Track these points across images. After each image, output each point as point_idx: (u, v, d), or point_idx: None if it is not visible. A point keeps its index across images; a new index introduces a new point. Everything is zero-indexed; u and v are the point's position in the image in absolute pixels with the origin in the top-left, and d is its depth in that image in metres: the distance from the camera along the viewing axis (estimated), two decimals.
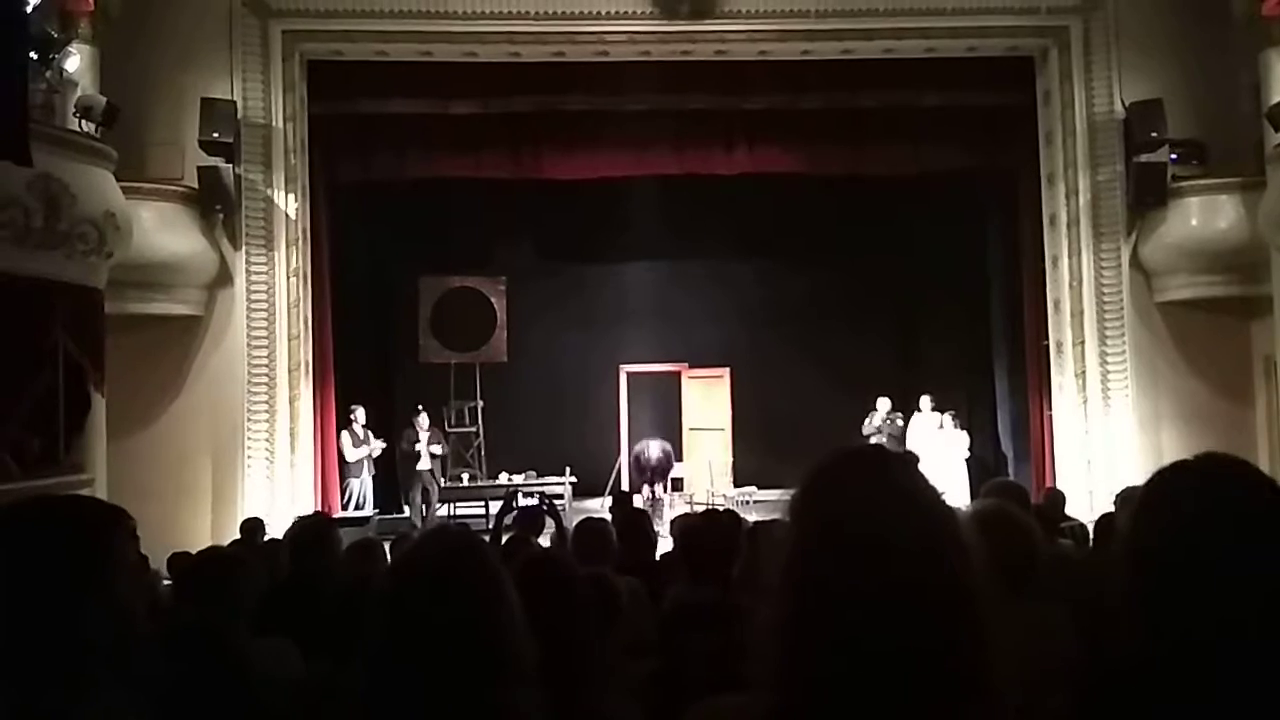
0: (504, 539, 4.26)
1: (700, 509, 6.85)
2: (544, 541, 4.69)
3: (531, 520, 5.12)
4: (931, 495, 1.12)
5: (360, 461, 11.13)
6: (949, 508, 1.12)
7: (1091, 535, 5.53)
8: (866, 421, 12.34)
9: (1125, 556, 1.25)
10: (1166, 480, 1.27)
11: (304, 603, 3.03)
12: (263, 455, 9.98)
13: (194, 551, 4.82)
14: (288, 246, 10.24)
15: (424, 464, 11.77)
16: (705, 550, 3.02)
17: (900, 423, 12.22)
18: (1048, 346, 11.04)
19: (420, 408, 12.01)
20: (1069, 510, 7.13)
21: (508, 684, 1.39)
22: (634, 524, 4.26)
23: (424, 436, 11.82)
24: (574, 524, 4.18)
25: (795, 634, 1.05)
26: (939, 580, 1.04)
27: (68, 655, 1.35)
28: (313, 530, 3.73)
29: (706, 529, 3.22)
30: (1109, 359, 10.50)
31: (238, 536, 7.05)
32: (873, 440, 11.88)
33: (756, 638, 1.10)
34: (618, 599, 2.42)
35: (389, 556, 3.86)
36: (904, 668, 1.01)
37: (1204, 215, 10.10)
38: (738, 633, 2.15)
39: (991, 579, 1.09)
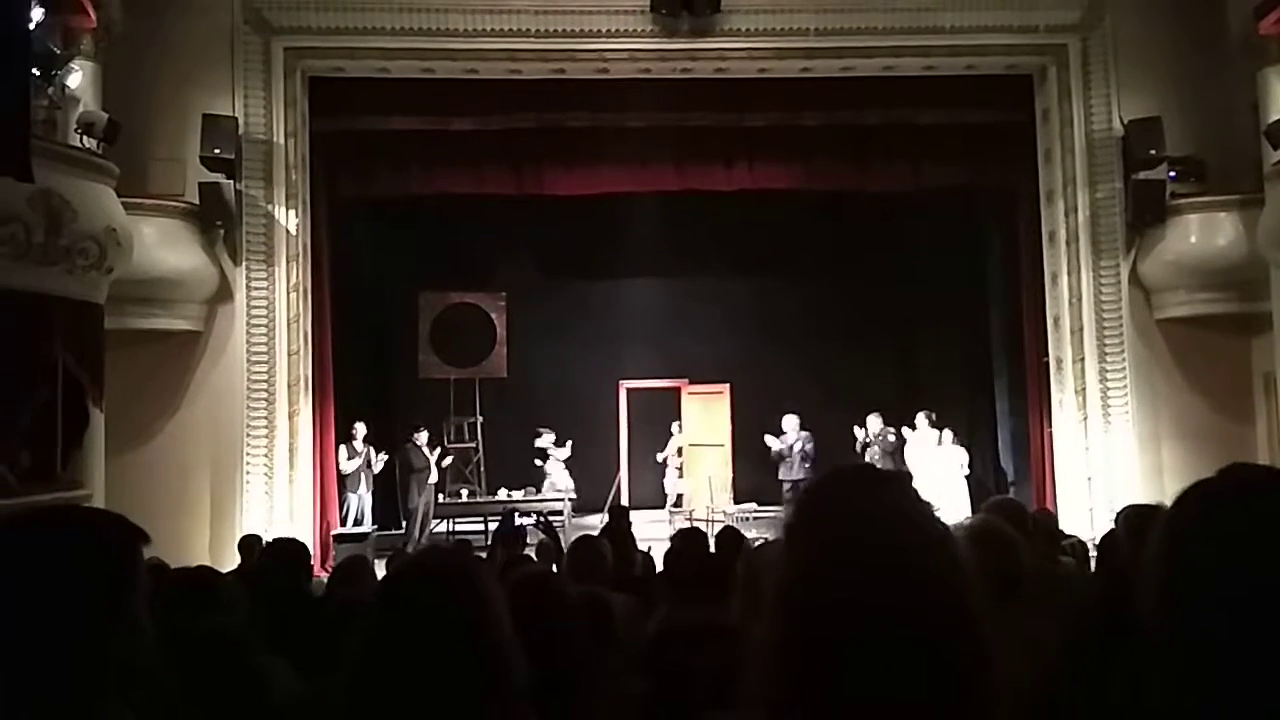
0: (500, 557, 4.24)
1: (686, 526, 6.85)
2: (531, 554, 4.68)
3: (510, 538, 5.11)
4: (924, 513, 1.11)
5: (358, 477, 11.11)
6: (943, 525, 1.12)
7: (1096, 553, 5.50)
8: (858, 439, 12.31)
9: (1155, 580, 1.11)
10: (1195, 495, 1.13)
11: (299, 622, 3.02)
12: (262, 471, 9.96)
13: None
14: (288, 262, 10.25)
15: (432, 478, 11.83)
16: (688, 569, 3.01)
17: (892, 439, 12.18)
18: (1047, 364, 11.04)
19: (419, 424, 12.02)
20: (1067, 527, 7.13)
21: (496, 703, 1.38)
22: (620, 539, 4.24)
23: (427, 452, 11.86)
24: (570, 542, 4.17)
25: (789, 653, 1.05)
26: (934, 599, 1.03)
27: (88, 672, 1.34)
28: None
29: (685, 548, 3.21)
30: (1109, 376, 10.49)
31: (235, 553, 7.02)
32: (866, 456, 11.87)
33: (751, 657, 1.09)
34: (611, 617, 2.41)
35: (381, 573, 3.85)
36: (900, 686, 1.00)
37: (1203, 232, 10.12)
38: (728, 652, 2.14)
39: (981, 593, 1.09)
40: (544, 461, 13.06)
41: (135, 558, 1.43)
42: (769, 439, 12.43)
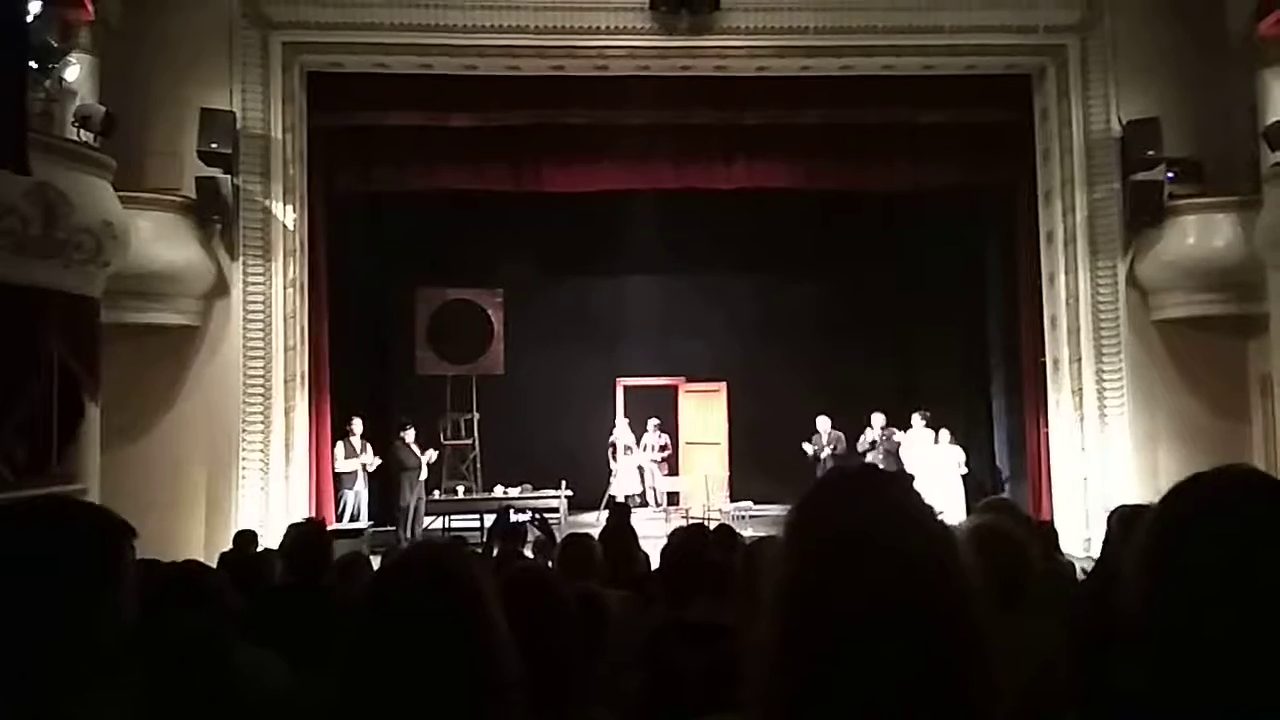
0: (495, 553, 4.24)
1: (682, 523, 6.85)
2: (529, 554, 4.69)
3: (513, 535, 5.12)
4: (927, 515, 1.10)
5: (354, 473, 11.11)
6: (945, 527, 1.11)
7: (1099, 552, 5.49)
8: (861, 438, 12.37)
9: (1141, 573, 1.12)
10: (1187, 492, 1.14)
11: (292, 615, 3.00)
12: (257, 466, 9.95)
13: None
14: (285, 257, 10.23)
15: (422, 475, 11.83)
16: (683, 566, 3.00)
17: (896, 438, 12.22)
18: (1044, 364, 11.04)
19: (407, 422, 12.02)
20: (1063, 527, 7.12)
21: (489, 699, 1.37)
22: (621, 537, 4.23)
23: (416, 450, 11.85)
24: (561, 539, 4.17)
25: (788, 653, 1.04)
26: (936, 600, 1.03)
27: (71, 662, 1.34)
28: (307, 539, 3.71)
29: (681, 545, 3.20)
30: (1106, 377, 10.50)
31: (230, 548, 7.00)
32: (869, 456, 11.91)
33: (749, 656, 1.08)
34: (606, 614, 2.40)
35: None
36: (900, 687, 0.99)
37: (1200, 233, 10.13)
38: (725, 651, 2.13)
39: (986, 594, 1.08)
40: (616, 458, 13.05)
41: (120, 550, 1.42)
42: (805, 445, 12.44)
